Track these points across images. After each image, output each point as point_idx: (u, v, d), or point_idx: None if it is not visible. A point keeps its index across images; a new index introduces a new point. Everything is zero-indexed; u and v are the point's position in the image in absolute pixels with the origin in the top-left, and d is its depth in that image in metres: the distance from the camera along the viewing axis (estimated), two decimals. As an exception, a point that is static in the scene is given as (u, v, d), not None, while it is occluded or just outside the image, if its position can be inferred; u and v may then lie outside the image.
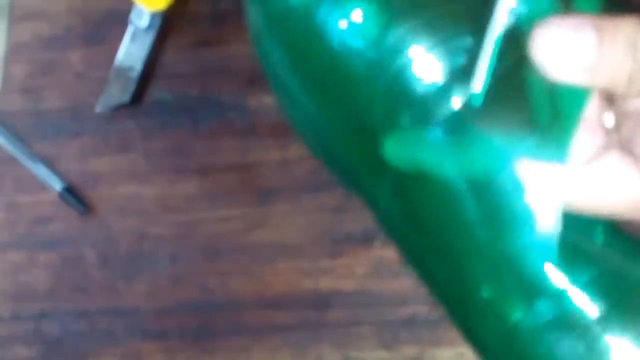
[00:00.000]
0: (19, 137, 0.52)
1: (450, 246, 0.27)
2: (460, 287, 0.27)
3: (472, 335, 0.28)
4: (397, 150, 0.26)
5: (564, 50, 0.24)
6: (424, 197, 0.27)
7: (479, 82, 0.25)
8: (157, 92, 0.51)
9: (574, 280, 0.26)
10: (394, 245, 0.30)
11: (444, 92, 0.25)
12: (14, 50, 0.53)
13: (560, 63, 0.24)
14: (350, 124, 0.27)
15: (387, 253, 0.47)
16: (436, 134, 0.25)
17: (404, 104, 0.26)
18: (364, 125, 0.27)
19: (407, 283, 0.47)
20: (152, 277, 0.49)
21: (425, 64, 0.25)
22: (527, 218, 0.25)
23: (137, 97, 0.51)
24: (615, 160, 0.25)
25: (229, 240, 0.49)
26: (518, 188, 0.25)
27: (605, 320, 0.26)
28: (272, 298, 0.48)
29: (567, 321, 0.26)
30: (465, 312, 0.28)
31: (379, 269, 0.47)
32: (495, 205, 0.25)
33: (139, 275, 0.49)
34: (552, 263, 0.25)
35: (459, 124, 0.25)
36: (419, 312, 0.47)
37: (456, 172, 0.25)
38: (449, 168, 0.25)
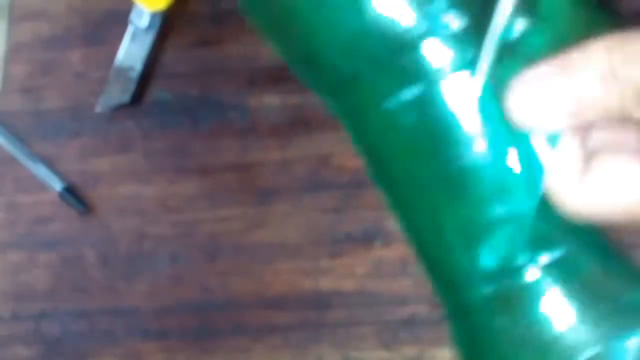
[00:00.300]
0: (19, 137, 0.52)
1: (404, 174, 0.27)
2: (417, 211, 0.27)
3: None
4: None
5: (542, 106, 0.23)
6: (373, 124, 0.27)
7: (479, 83, 0.25)
8: (157, 92, 0.51)
9: (532, 258, 0.26)
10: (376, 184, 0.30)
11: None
12: (14, 50, 0.53)
13: (543, 118, 0.23)
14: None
15: (387, 253, 0.48)
16: None
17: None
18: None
19: (407, 283, 0.47)
20: (152, 277, 0.49)
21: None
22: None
23: (137, 97, 0.51)
24: (626, 162, 0.24)
25: (229, 240, 0.49)
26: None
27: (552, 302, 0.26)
28: (272, 298, 0.48)
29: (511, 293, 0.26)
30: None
31: (379, 269, 0.47)
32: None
33: (139, 275, 0.49)
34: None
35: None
36: (419, 312, 0.47)
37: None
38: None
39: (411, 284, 0.47)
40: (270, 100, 0.50)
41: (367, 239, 0.48)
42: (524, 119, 0.24)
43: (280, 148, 0.49)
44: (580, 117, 0.23)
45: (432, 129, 0.25)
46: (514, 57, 0.24)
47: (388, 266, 0.47)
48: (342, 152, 0.49)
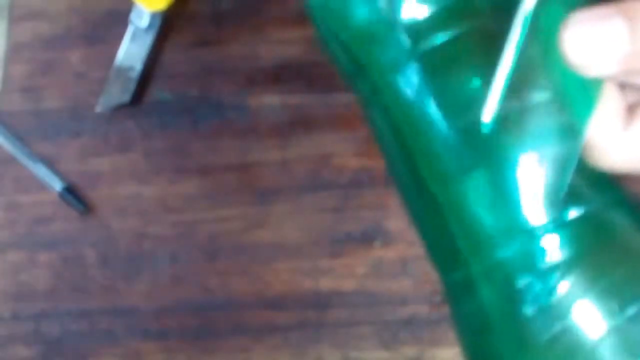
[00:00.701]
0: (19, 137, 0.52)
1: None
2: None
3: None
4: None
5: (597, 45, 0.23)
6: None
7: (489, 112, 0.25)
8: (157, 92, 0.51)
9: (555, 219, 0.25)
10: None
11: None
12: (14, 50, 0.53)
13: (594, 58, 0.23)
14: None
15: (387, 253, 0.48)
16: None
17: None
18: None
19: (407, 283, 0.47)
20: (152, 277, 0.49)
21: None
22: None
23: (137, 97, 0.51)
24: None
25: (229, 240, 0.49)
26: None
27: (567, 267, 0.25)
28: (272, 298, 0.48)
29: (529, 260, 0.26)
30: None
31: (379, 269, 0.47)
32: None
33: (139, 275, 0.49)
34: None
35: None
36: (419, 312, 0.47)
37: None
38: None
39: (411, 284, 0.47)
40: (270, 100, 0.50)
41: (367, 239, 0.48)
42: (578, 57, 0.23)
43: (280, 148, 0.49)
44: (631, 64, 0.23)
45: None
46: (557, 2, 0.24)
47: (388, 266, 0.47)
48: (342, 152, 0.49)
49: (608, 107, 0.24)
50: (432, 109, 0.26)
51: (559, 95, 0.25)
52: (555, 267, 0.25)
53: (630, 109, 0.25)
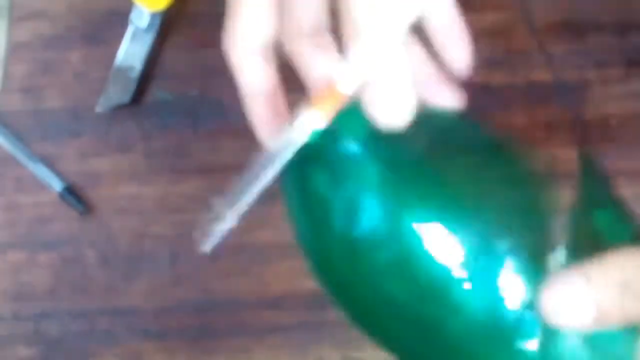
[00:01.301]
0: (19, 137, 0.52)
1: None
2: None
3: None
4: None
5: (568, 307, 0.25)
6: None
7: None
8: (157, 92, 0.51)
9: None
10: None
11: None
12: (14, 50, 0.53)
13: (569, 318, 0.25)
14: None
15: (387, 253, 0.47)
16: None
17: None
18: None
19: (407, 283, 0.47)
20: (152, 277, 0.49)
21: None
22: None
23: (137, 97, 0.51)
24: None
25: (229, 240, 0.49)
26: None
27: None
28: (272, 298, 0.48)
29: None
30: None
31: (379, 269, 0.47)
32: None
33: (139, 275, 0.49)
34: None
35: None
36: (419, 312, 0.47)
37: None
38: None
39: (411, 284, 0.47)
40: (270, 100, 0.50)
41: (367, 239, 0.48)
42: (554, 317, 0.25)
43: (280, 148, 0.49)
44: (603, 322, 0.25)
45: None
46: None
47: (388, 266, 0.47)
48: (342, 152, 0.49)
49: None
50: None
51: None
52: None
53: None
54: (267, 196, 0.49)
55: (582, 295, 0.24)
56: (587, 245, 0.26)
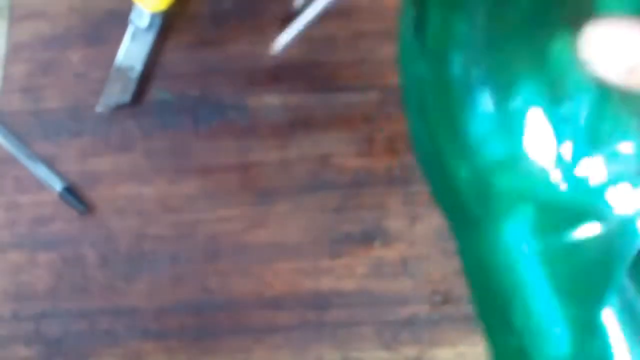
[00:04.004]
0: (19, 137, 0.52)
1: None
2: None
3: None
4: None
5: (610, 49, 0.24)
6: None
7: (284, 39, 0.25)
8: (157, 92, 0.51)
9: None
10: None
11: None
12: (14, 50, 0.53)
13: (605, 61, 0.24)
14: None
15: (387, 253, 0.47)
16: None
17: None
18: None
19: (407, 283, 0.47)
20: (152, 277, 0.49)
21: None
22: None
23: (137, 97, 0.51)
24: None
25: (229, 240, 0.49)
26: None
27: None
28: (272, 298, 0.48)
29: None
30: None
31: (379, 269, 0.47)
32: None
33: (139, 275, 0.49)
34: None
35: None
36: (419, 312, 0.47)
37: None
38: None
39: (411, 284, 0.47)
40: (270, 100, 0.50)
41: (367, 239, 0.48)
42: (591, 56, 0.24)
43: (280, 148, 0.49)
44: (634, 79, 0.24)
45: None
46: None
47: (388, 266, 0.47)
48: (342, 152, 0.49)
49: None
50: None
51: None
52: None
53: None
54: (267, 196, 0.50)
55: (634, 46, 0.24)
56: None
